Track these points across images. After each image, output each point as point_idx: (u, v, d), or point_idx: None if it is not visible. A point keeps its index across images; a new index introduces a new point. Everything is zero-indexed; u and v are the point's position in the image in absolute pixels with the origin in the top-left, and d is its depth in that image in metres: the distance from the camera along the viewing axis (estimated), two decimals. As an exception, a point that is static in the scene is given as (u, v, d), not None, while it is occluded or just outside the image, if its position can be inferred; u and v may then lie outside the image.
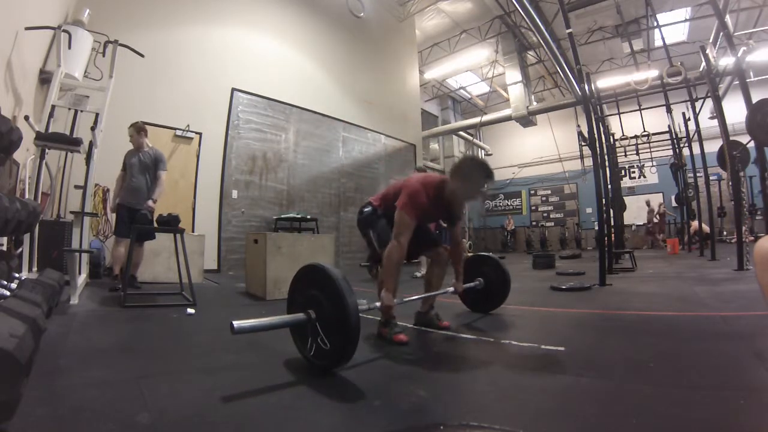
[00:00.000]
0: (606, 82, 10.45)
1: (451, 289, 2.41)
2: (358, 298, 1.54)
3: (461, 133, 14.93)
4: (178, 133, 6.02)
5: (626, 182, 13.08)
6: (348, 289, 1.50)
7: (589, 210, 14.31)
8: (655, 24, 8.72)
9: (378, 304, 1.94)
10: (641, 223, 13.03)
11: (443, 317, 2.39)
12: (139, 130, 3.91)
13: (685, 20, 10.15)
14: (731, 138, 5.48)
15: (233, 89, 6.72)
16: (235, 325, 1.41)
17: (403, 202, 2.08)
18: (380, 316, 2.10)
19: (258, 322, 1.50)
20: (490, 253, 2.93)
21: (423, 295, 2.35)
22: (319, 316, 1.54)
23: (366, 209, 2.40)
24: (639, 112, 7.82)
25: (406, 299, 2.19)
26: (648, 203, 12.40)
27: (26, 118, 3.41)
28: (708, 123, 8.11)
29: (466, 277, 2.61)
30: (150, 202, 3.75)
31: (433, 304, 2.43)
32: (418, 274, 5.30)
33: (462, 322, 2.48)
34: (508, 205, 17.18)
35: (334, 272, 1.55)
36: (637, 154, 8.86)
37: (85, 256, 3.72)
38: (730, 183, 5.73)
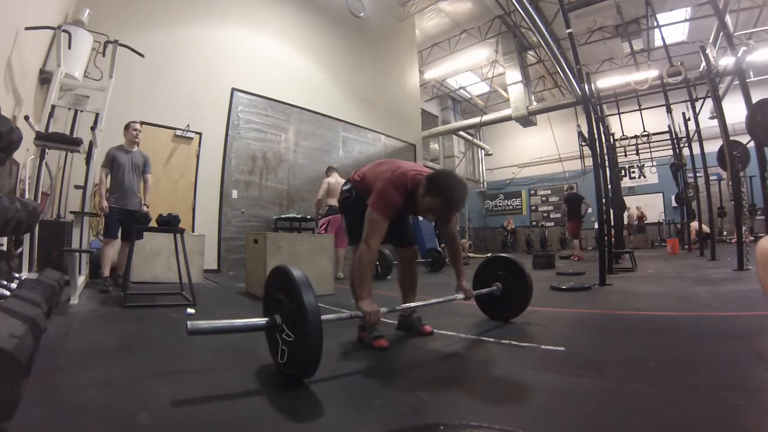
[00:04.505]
0: (606, 82, 10.46)
1: (461, 295, 2.15)
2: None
3: (461, 133, 14.93)
4: (178, 133, 6.02)
5: (626, 182, 13.08)
6: (306, 285, 1.36)
7: (589, 210, 14.29)
8: (655, 24, 8.71)
9: (359, 312, 1.73)
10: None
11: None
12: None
13: (685, 20, 10.15)
14: (731, 138, 5.48)
15: (233, 89, 6.71)
16: (189, 326, 1.32)
17: (373, 201, 1.86)
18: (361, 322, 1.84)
19: (216, 324, 1.40)
20: (509, 255, 2.70)
21: (421, 303, 2.12)
22: (284, 319, 1.41)
23: (344, 187, 2.20)
24: (639, 112, 7.83)
25: (399, 307, 1.99)
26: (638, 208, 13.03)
27: (26, 118, 3.41)
28: (708, 123, 8.12)
29: (483, 282, 2.40)
30: (145, 208, 3.90)
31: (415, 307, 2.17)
32: (341, 275, 4.92)
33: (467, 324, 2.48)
34: (508, 205, 17.19)
35: (295, 272, 1.41)
36: (637, 154, 8.87)
37: (85, 256, 3.72)
38: (730, 183, 5.73)
